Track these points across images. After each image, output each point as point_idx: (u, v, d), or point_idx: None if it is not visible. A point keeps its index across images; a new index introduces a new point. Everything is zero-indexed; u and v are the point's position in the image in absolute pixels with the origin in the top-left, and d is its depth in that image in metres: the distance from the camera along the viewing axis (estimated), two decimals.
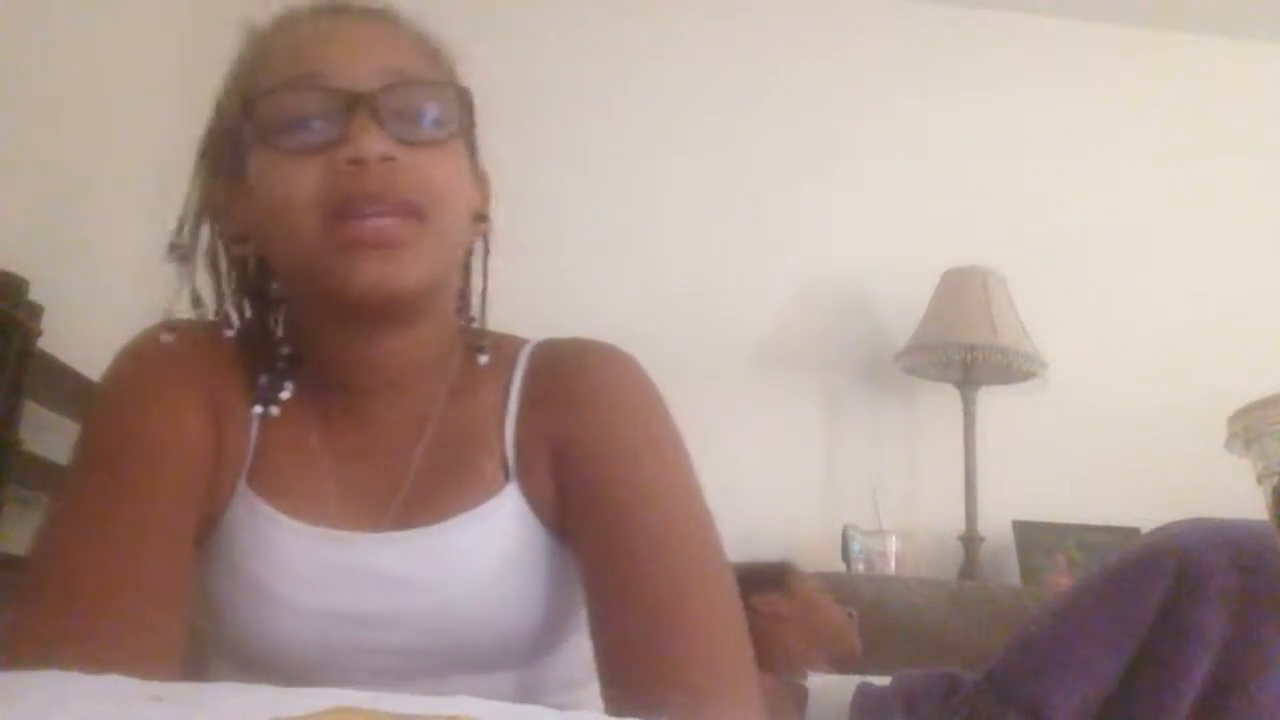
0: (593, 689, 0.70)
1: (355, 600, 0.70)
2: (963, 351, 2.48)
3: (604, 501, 0.69)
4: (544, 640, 0.73)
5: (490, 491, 0.72)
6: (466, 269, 0.81)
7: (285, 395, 0.75)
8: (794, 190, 2.84)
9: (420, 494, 0.73)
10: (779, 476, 2.59)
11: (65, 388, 2.02)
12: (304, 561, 0.70)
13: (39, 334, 1.84)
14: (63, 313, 1.99)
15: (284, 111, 0.69)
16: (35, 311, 1.85)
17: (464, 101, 0.73)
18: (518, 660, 0.73)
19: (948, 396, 2.62)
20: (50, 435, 2.07)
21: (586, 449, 0.72)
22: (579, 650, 0.75)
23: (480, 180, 0.80)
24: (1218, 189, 2.95)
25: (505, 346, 0.80)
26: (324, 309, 0.72)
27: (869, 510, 2.49)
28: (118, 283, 2.52)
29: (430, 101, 0.71)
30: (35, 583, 0.64)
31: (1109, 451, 2.66)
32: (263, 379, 0.75)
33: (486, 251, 0.82)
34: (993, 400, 2.61)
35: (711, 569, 0.67)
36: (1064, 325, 2.70)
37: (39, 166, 2.13)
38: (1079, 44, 3.02)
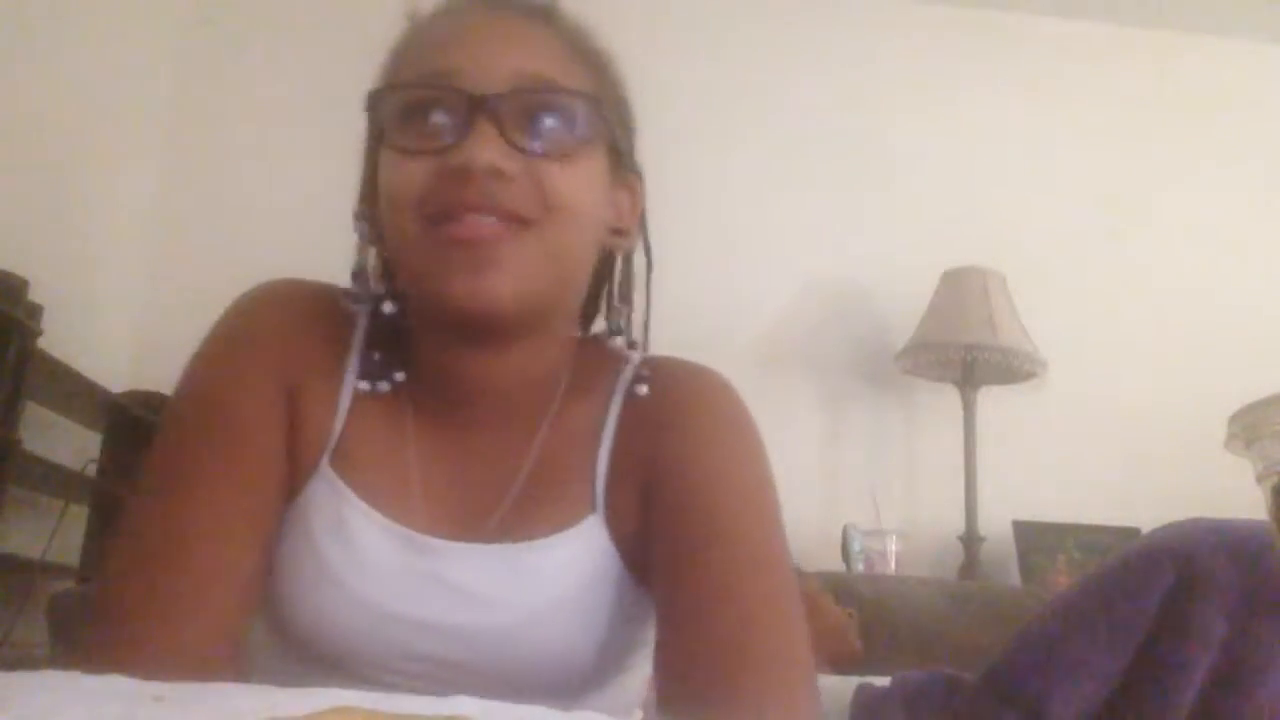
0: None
1: (423, 606, 0.68)
2: (963, 351, 2.48)
3: (684, 532, 0.67)
4: (597, 676, 0.72)
5: (574, 519, 0.71)
6: (601, 282, 0.79)
7: (400, 377, 0.73)
8: (794, 190, 2.85)
9: (512, 512, 0.71)
10: (779, 476, 2.59)
11: (65, 388, 2.02)
12: (379, 556, 0.68)
13: (39, 334, 1.85)
14: (63, 313, 1.99)
15: (406, 109, 0.67)
16: (35, 311, 1.85)
17: (602, 110, 0.69)
18: (566, 693, 0.71)
19: (948, 396, 2.62)
20: (50, 435, 2.07)
21: (674, 480, 0.70)
22: (624, 688, 0.74)
23: (628, 191, 0.76)
24: (1217, 189, 2.95)
25: (610, 364, 0.77)
26: (427, 315, 0.71)
27: (869, 510, 2.49)
28: (118, 283, 2.52)
29: (558, 108, 0.67)
30: (114, 570, 0.64)
31: (1109, 451, 2.66)
32: (376, 355, 0.72)
33: (650, 266, 0.78)
34: (993, 400, 2.61)
35: (784, 608, 0.66)
36: (1064, 325, 2.70)
37: (39, 166, 2.14)
38: (1079, 44, 3.02)
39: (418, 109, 0.66)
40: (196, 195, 2.65)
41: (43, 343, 1.86)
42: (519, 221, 0.64)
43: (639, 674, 0.77)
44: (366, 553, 0.68)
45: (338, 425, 0.71)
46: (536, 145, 0.65)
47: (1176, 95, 3.01)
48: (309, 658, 0.70)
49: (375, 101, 0.69)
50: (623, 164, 0.75)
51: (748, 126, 2.87)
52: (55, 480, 1.97)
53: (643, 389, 0.74)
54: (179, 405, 0.70)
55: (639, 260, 0.80)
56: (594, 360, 0.77)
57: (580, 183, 0.68)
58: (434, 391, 0.73)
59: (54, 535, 1.92)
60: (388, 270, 0.75)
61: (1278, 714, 0.86)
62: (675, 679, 0.64)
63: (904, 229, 2.82)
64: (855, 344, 2.78)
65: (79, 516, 2.05)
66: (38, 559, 1.89)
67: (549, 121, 0.66)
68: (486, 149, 0.63)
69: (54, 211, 2.20)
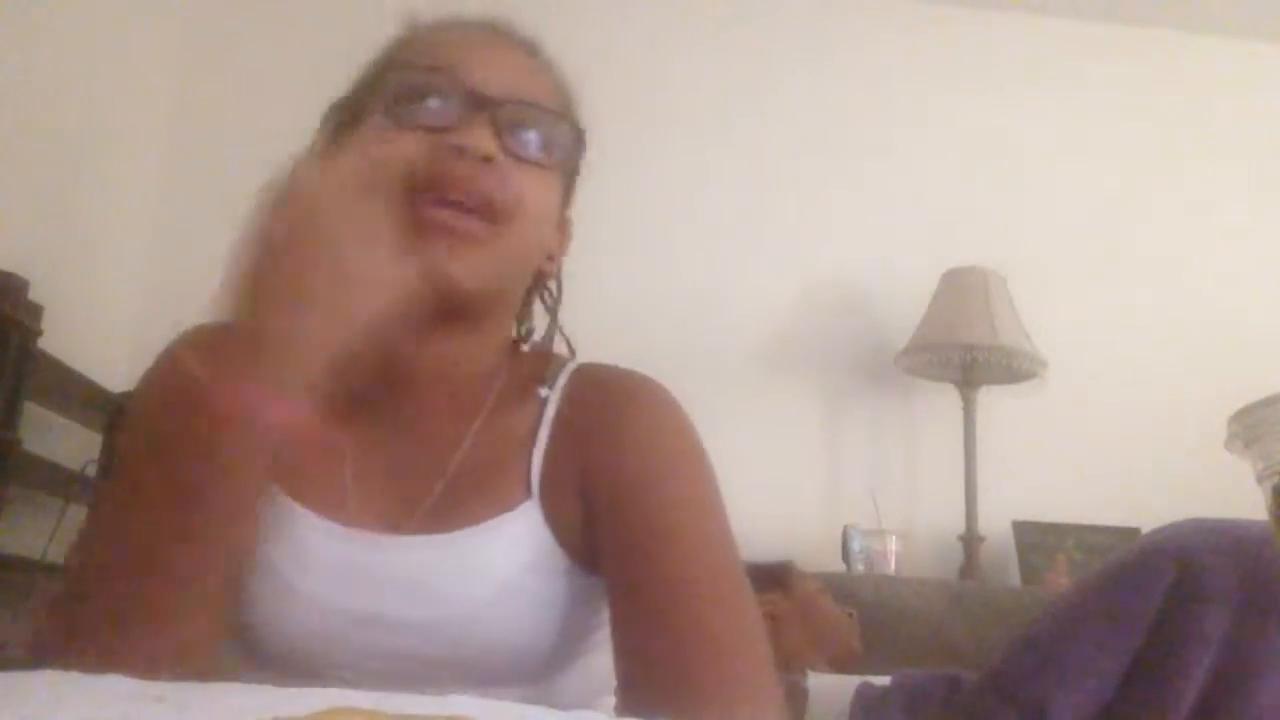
0: (603, 704, 0.72)
1: (369, 601, 0.70)
2: (963, 351, 2.48)
3: (631, 529, 0.70)
4: (552, 660, 0.73)
5: (509, 505, 0.73)
6: (528, 298, 0.84)
7: None
8: (794, 190, 2.84)
9: (444, 503, 0.73)
10: (779, 476, 2.60)
11: (65, 388, 2.02)
12: (320, 554, 0.70)
13: (39, 334, 1.85)
14: (63, 313, 1.99)
15: (412, 88, 0.72)
16: (35, 311, 1.85)
17: (577, 140, 0.78)
18: (524, 678, 0.73)
19: (948, 396, 2.62)
20: (50, 435, 2.07)
21: (615, 477, 0.72)
22: (588, 672, 0.76)
23: (563, 225, 0.83)
24: (1217, 189, 2.95)
25: (547, 366, 0.81)
26: None
27: (869, 510, 2.49)
28: (118, 283, 2.52)
29: (547, 126, 0.74)
30: (66, 596, 0.65)
31: (1109, 451, 2.66)
32: None
33: (559, 296, 0.85)
34: (993, 400, 2.61)
35: (736, 596, 0.68)
36: (1064, 325, 2.70)
37: (39, 166, 2.14)
38: (1079, 44, 3.02)
39: (415, 93, 0.72)
40: (197, 196, 2.65)
41: (43, 343, 1.86)
42: (493, 217, 0.70)
43: (607, 655, 0.78)
44: (308, 552, 0.70)
45: None
46: (522, 152, 0.72)
47: (1177, 95, 3.01)
48: (268, 665, 0.70)
49: (375, 78, 0.75)
50: (569, 194, 0.82)
51: (747, 126, 2.87)
52: (55, 480, 1.97)
53: (544, 392, 0.79)
54: (126, 437, 0.73)
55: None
56: (529, 362, 0.81)
57: (545, 196, 0.75)
58: (371, 384, 0.75)
59: (54, 535, 1.92)
60: None
61: (1278, 714, 0.86)
62: (635, 682, 0.66)
63: (904, 229, 2.82)
64: (855, 344, 2.78)
65: (79, 516, 2.05)
66: (38, 559, 1.89)
67: (534, 135, 0.74)
68: (484, 138, 0.69)
69: (54, 211, 2.20)
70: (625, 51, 2.85)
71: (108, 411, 2.10)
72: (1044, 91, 2.98)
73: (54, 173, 2.20)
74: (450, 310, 0.71)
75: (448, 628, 0.70)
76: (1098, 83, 3.00)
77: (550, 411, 0.77)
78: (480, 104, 0.70)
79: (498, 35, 0.78)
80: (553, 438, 0.76)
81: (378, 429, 0.75)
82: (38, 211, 2.13)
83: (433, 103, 0.71)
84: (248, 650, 0.71)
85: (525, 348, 0.85)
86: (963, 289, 2.55)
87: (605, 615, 0.74)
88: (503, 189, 0.70)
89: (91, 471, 2.03)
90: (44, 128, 2.14)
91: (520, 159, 0.72)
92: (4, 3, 1.95)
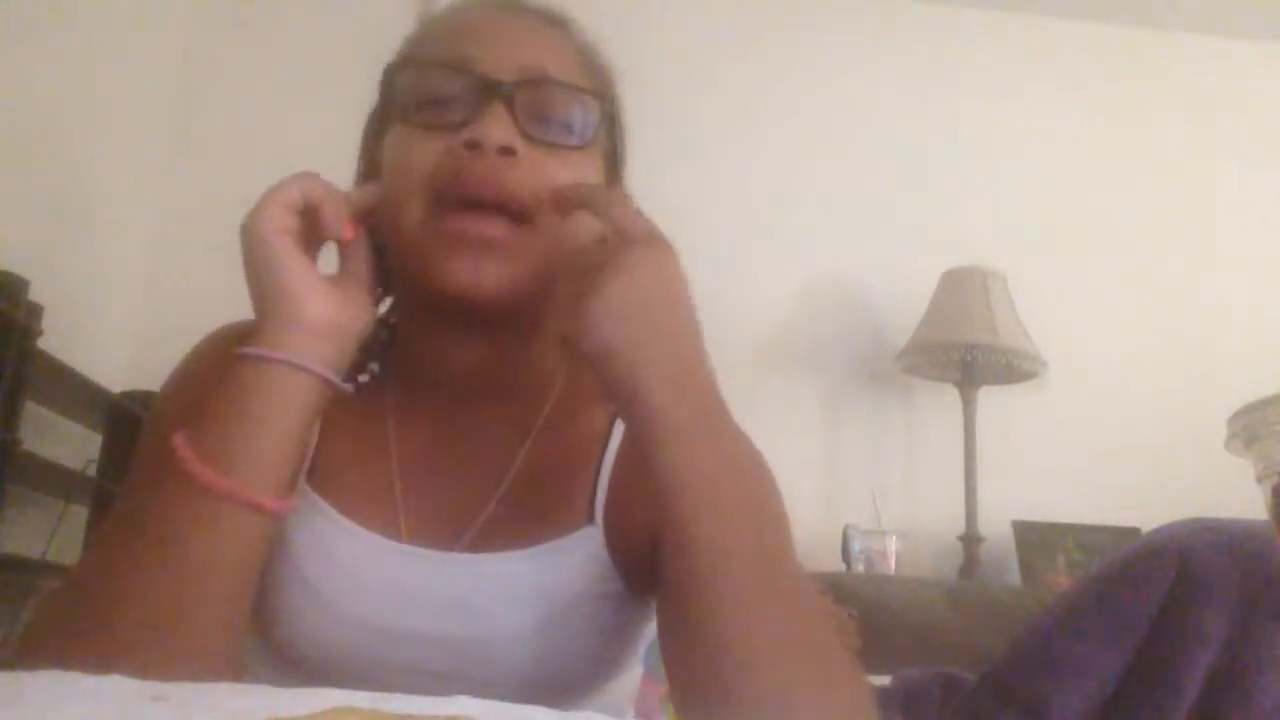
0: None
1: (415, 619, 0.67)
2: (963, 351, 2.48)
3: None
4: (591, 682, 0.71)
5: (569, 528, 0.69)
6: None
7: (363, 378, 0.72)
8: (794, 190, 2.85)
9: (500, 520, 0.70)
10: (779, 477, 2.59)
11: (65, 388, 2.02)
12: (365, 572, 0.67)
13: (39, 334, 1.85)
14: (63, 313, 1.99)
15: (422, 88, 0.69)
16: (35, 311, 1.85)
17: (605, 114, 0.72)
18: (556, 701, 0.70)
19: (948, 396, 2.62)
20: (50, 435, 2.07)
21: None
22: (614, 693, 0.74)
23: None
24: (1217, 189, 2.95)
25: None
26: (418, 299, 0.71)
27: (869, 510, 2.49)
28: (118, 283, 2.52)
29: (567, 104, 0.69)
30: (75, 588, 0.62)
31: (1109, 451, 2.66)
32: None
33: None
34: (993, 400, 2.61)
35: (815, 617, 0.68)
36: (1064, 325, 2.70)
37: (39, 167, 2.14)
38: (1079, 44, 3.02)
39: (431, 91, 0.68)
40: (197, 195, 2.65)
41: (43, 343, 1.86)
42: (520, 217, 0.66)
43: (632, 675, 0.76)
44: (352, 569, 0.67)
45: (312, 441, 0.70)
46: (544, 135, 0.68)
47: (1177, 95, 3.01)
48: (304, 675, 0.68)
49: (391, 78, 0.71)
50: (615, 178, 0.76)
51: (748, 127, 2.87)
52: (55, 480, 1.97)
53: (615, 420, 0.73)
54: (147, 436, 0.70)
55: None
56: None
57: (578, 180, 0.69)
58: (418, 389, 0.72)
59: (54, 535, 1.92)
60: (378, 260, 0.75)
61: (1278, 714, 0.86)
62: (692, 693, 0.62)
63: (904, 229, 2.82)
64: (855, 344, 2.78)
65: (79, 516, 2.05)
66: (38, 559, 1.89)
67: (555, 116, 0.69)
68: (498, 128, 0.65)
69: (54, 211, 2.20)
70: (624, 52, 2.84)
71: (108, 411, 2.10)
72: (1044, 91, 2.98)
73: (54, 173, 2.20)
74: (487, 313, 0.67)
75: (490, 649, 0.67)
76: (1098, 83, 3.00)
77: (619, 430, 0.72)
78: (493, 91, 0.66)
79: (510, 12, 0.73)
80: (621, 458, 0.71)
81: (427, 442, 0.72)
82: (38, 211, 2.13)
83: (449, 103, 0.67)
84: (283, 663, 0.69)
85: None
86: (963, 289, 2.55)
87: (640, 637, 0.72)
88: (527, 181, 0.65)
89: (91, 471, 2.03)
90: (44, 128, 2.14)
91: (547, 145, 0.67)
92: (6, 4, 1.95)
